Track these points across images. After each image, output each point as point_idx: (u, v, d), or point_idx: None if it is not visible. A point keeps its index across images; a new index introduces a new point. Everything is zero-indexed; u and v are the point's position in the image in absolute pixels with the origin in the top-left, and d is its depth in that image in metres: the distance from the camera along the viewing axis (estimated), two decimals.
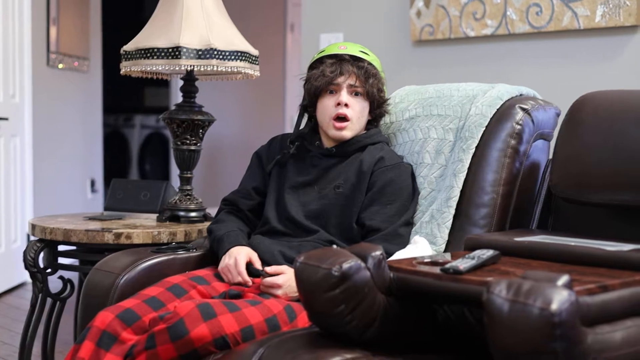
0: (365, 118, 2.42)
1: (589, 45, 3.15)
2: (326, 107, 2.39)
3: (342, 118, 2.37)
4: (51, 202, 5.55)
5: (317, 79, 2.39)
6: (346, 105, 2.36)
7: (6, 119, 4.82)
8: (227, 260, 2.28)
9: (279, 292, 2.17)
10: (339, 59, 2.39)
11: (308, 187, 2.40)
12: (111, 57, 5.40)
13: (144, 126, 8.33)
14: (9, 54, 4.94)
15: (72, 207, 5.78)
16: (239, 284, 2.25)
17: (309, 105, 2.47)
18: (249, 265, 2.26)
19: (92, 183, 6.33)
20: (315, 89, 2.40)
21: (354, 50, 2.41)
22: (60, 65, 5.72)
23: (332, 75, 2.36)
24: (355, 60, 2.39)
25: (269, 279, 2.19)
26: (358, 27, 3.90)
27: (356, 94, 2.38)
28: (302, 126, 2.51)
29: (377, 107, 2.43)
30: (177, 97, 3.88)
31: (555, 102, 2.46)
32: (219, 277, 2.30)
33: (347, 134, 2.39)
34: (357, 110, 2.38)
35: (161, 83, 7.62)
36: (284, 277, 2.18)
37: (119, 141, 8.31)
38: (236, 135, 7.36)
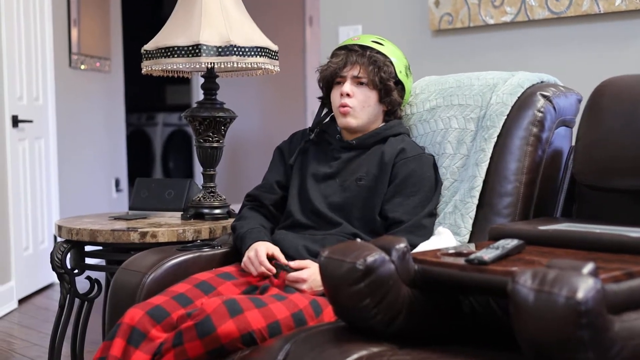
0: (373, 107, 2.41)
1: (609, 30, 3.12)
2: (334, 98, 2.42)
3: (343, 106, 2.38)
4: (77, 203, 5.59)
5: (325, 71, 2.43)
6: (348, 95, 2.37)
7: (30, 121, 4.86)
8: (249, 253, 2.29)
9: (304, 286, 2.18)
10: (348, 49, 2.40)
11: (330, 180, 2.40)
12: (132, 57, 5.44)
13: (166, 124, 8.36)
14: (31, 57, 4.98)
15: (97, 207, 5.82)
16: (263, 276, 2.25)
17: (325, 97, 2.49)
18: (273, 261, 2.27)
19: (117, 182, 6.37)
20: (324, 80, 2.45)
21: (365, 40, 2.42)
22: (83, 66, 5.76)
23: (336, 67, 2.39)
24: (364, 49, 2.39)
25: (293, 274, 2.20)
26: (377, 18, 3.89)
27: (361, 83, 2.39)
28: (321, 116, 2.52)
29: (386, 95, 2.41)
30: (198, 95, 3.89)
31: (576, 88, 2.44)
32: (245, 273, 2.31)
33: (352, 121, 2.39)
34: (360, 100, 2.38)
35: (182, 81, 7.63)
36: (309, 272, 2.19)
37: (142, 140, 8.34)
38: (258, 131, 7.37)
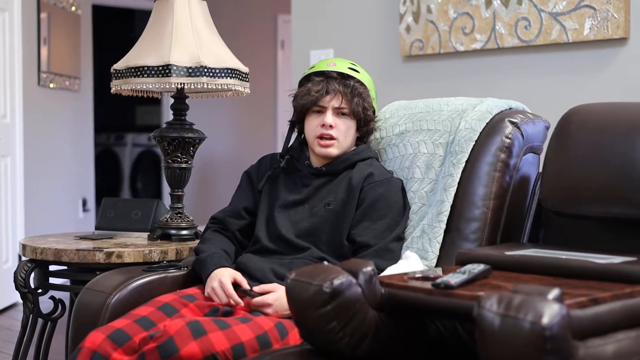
0: (352, 136, 2.42)
1: (577, 58, 3.16)
2: (312, 126, 2.40)
3: (327, 137, 2.37)
4: (43, 222, 5.53)
5: (303, 97, 2.40)
6: (331, 126, 2.36)
7: None
8: (212, 283, 2.26)
9: (269, 310, 2.16)
10: (326, 76, 2.39)
11: (299, 206, 2.39)
12: (102, 76, 5.40)
13: (135, 144, 8.32)
14: None
15: (64, 227, 5.76)
16: (228, 305, 2.23)
17: (297, 122, 2.47)
18: (236, 287, 2.25)
19: (84, 202, 6.32)
20: (302, 107, 2.41)
21: (342, 67, 2.41)
22: (52, 85, 5.72)
23: (317, 95, 2.36)
24: (343, 78, 2.38)
25: (258, 299, 2.18)
26: (348, 43, 3.91)
27: (342, 113, 2.38)
28: (291, 141, 2.51)
29: (364, 125, 2.42)
30: (168, 115, 3.89)
31: (544, 115, 2.46)
32: None
33: (333, 151, 2.39)
34: (342, 130, 2.38)
35: (153, 101, 7.62)
36: (274, 295, 2.17)
37: (111, 160, 8.30)
38: (228, 153, 7.36)
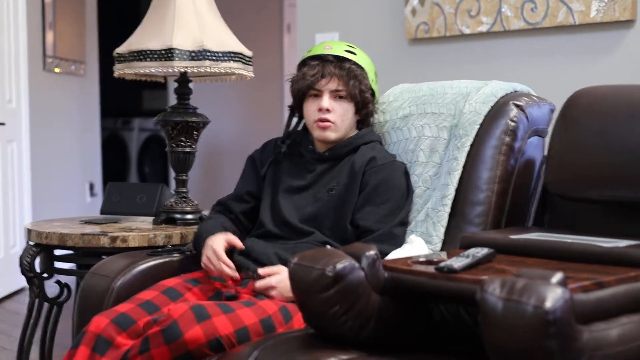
0: (350, 119, 2.40)
1: (584, 41, 3.13)
2: (309, 110, 2.38)
3: (324, 121, 2.36)
4: (50, 207, 5.54)
5: (299, 82, 2.38)
6: (328, 110, 2.35)
7: (3, 124, 4.81)
8: (206, 251, 2.26)
9: (273, 292, 2.16)
10: (322, 60, 2.36)
11: (303, 192, 2.38)
12: (108, 61, 5.39)
13: (142, 129, 8.31)
14: (4, 59, 4.94)
15: (71, 212, 5.77)
16: (223, 274, 2.22)
17: (296, 107, 2.46)
18: (240, 270, 2.24)
19: (91, 187, 6.32)
20: (298, 92, 2.39)
21: (338, 49, 2.38)
22: (57, 70, 5.71)
23: (313, 79, 2.34)
24: (339, 61, 2.36)
25: (262, 281, 2.18)
26: (353, 26, 3.89)
27: (339, 97, 2.36)
28: (292, 126, 2.50)
29: (363, 107, 2.40)
30: (174, 100, 3.84)
31: (550, 98, 2.45)
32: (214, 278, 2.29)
33: (331, 134, 2.37)
34: (339, 114, 2.36)
35: (159, 86, 7.57)
36: (278, 278, 2.17)
37: (118, 144, 8.29)
38: (234, 137, 7.35)
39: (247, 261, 2.28)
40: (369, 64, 2.43)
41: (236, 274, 2.22)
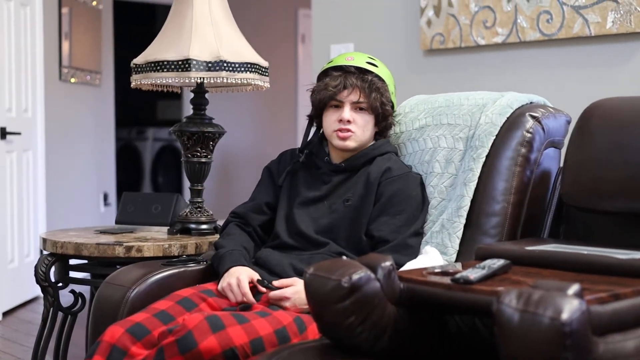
0: (370, 131, 2.41)
1: (600, 52, 3.13)
2: (329, 121, 2.39)
3: (346, 131, 2.36)
4: (64, 216, 5.56)
5: (321, 92, 2.39)
6: (348, 121, 2.35)
7: (19, 133, 4.84)
8: (228, 279, 2.25)
9: (288, 304, 2.16)
10: (344, 71, 2.37)
11: (319, 203, 2.39)
12: (123, 71, 5.41)
13: (156, 139, 8.34)
14: (21, 69, 4.97)
15: (85, 221, 5.79)
16: (242, 302, 2.23)
17: (315, 116, 2.47)
18: (256, 279, 2.24)
19: (105, 197, 6.34)
20: (319, 102, 2.40)
21: (360, 61, 2.39)
22: (73, 80, 5.75)
23: (335, 90, 2.35)
24: (361, 72, 2.37)
25: (276, 292, 2.18)
26: (368, 37, 3.89)
27: (360, 108, 2.37)
28: (310, 136, 2.50)
29: (383, 119, 2.41)
30: (189, 110, 3.85)
31: (566, 109, 2.44)
32: None
33: (351, 144, 2.37)
34: (360, 125, 2.37)
35: (174, 96, 7.63)
36: (292, 289, 2.17)
37: (132, 154, 8.32)
38: (248, 147, 7.36)
39: (261, 271, 2.29)
40: (389, 76, 2.43)
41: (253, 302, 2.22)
